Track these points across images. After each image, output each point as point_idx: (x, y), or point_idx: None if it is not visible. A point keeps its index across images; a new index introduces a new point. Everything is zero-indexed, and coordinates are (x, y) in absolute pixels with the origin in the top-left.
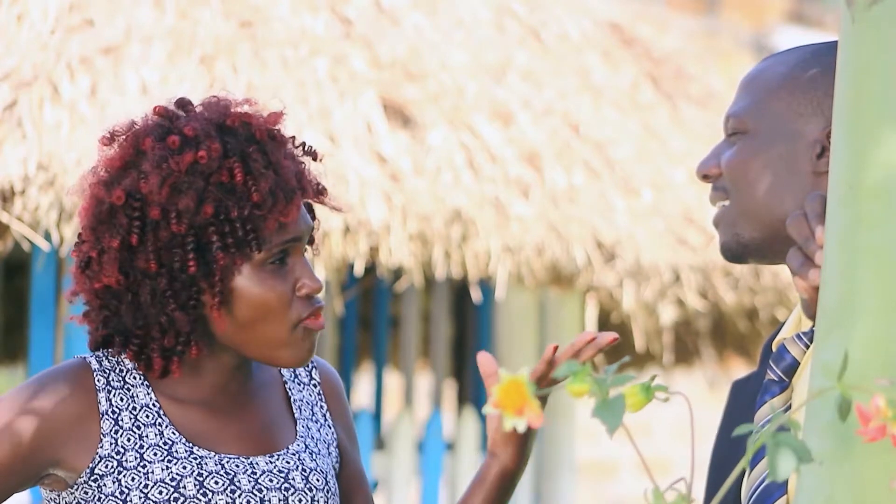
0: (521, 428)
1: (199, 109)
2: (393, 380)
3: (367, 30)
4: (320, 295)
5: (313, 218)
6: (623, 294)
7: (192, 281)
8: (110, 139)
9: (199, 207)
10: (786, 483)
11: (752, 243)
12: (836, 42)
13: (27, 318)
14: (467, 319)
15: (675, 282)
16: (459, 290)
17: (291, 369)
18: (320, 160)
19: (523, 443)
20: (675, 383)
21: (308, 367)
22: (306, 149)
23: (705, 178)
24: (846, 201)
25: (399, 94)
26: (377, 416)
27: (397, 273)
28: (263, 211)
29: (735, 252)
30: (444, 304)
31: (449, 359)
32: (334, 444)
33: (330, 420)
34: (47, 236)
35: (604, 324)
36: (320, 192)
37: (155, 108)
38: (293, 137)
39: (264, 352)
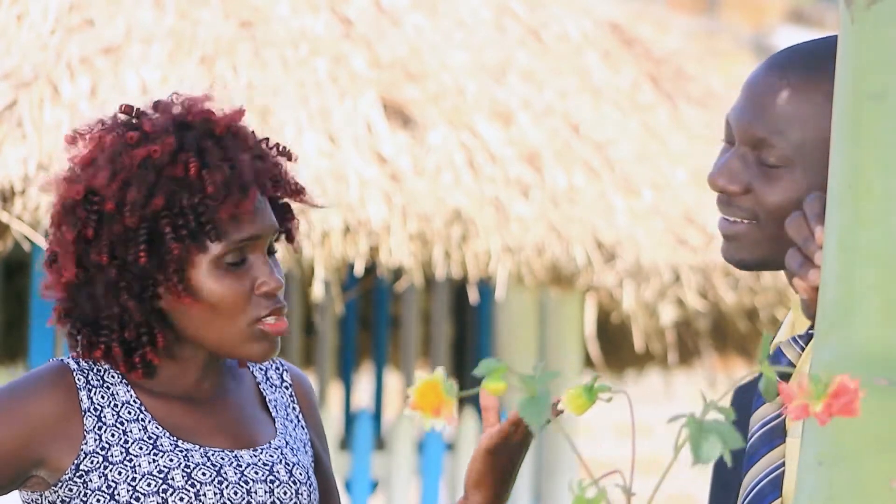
0: (439, 427)
1: (163, 107)
2: (393, 380)
3: (367, 30)
4: (282, 295)
5: (290, 219)
6: (623, 294)
7: (144, 273)
8: (74, 138)
9: (149, 200)
10: (780, 486)
11: (773, 262)
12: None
13: (27, 318)
14: (467, 319)
15: (675, 282)
16: (459, 290)
17: (263, 371)
18: (294, 160)
19: (499, 487)
20: (676, 383)
21: (279, 370)
22: (280, 149)
23: (722, 192)
24: (845, 201)
25: (399, 94)
26: (377, 416)
27: (397, 273)
28: (216, 201)
29: (751, 267)
30: (444, 304)
31: (449, 359)
32: (308, 445)
33: (302, 421)
34: (47, 236)
35: (604, 324)
36: (297, 192)
37: (121, 105)
38: (266, 138)
39: (223, 347)
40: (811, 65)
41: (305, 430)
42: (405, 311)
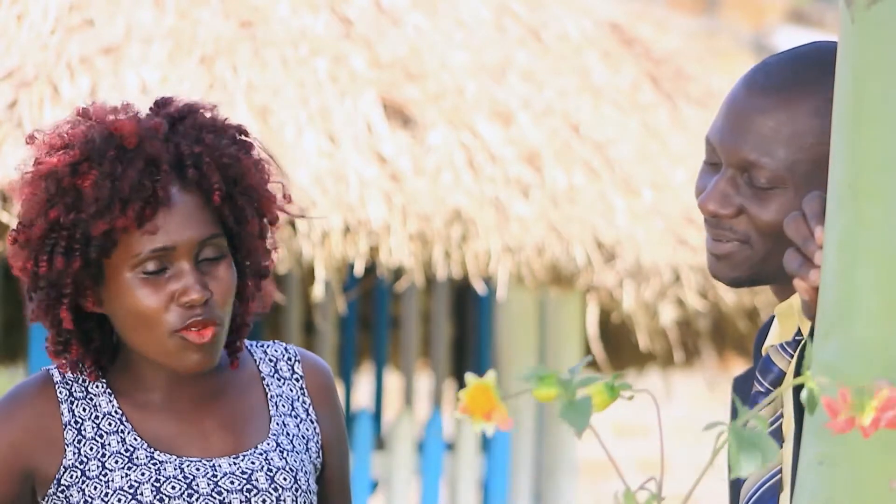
0: (490, 432)
1: (94, 112)
2: (393, 380)
3: (367, 30)
4: (217, 307)
5: (246, 220)
6: (623, 294)
7: (46, 283)
8: (30, 140)
9: (46, 211)
10: (778, 495)
11: (764, 279)
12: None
13: (27, 318)
14: (467, 319)
15: (675, 282)
16: (459, 290)
17: (272, 363)
18: (272, 169)
19: None
20: (676, 383)
21: (290, 360)
22: (247, 153)
23: (714, 216)
24: (845, 202)
25: (399, 94)
26: (377, 416)
27: (397, 273)
28: (93, 217)
29: (742, 284)
30: (444, 304)
31: (449, 359)
32: (315, 439)
33: (313, 415)
34: None
35: (604, 324)
36: (266, 200)
37: (77, 108)
38: (238, 141)
39: (157, 357)
40: (791, 79)
41: (315, 423)
42: (405, 311)
